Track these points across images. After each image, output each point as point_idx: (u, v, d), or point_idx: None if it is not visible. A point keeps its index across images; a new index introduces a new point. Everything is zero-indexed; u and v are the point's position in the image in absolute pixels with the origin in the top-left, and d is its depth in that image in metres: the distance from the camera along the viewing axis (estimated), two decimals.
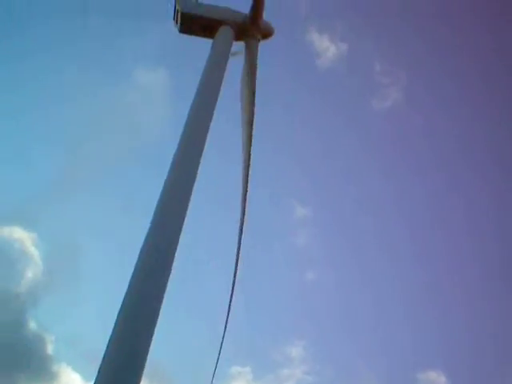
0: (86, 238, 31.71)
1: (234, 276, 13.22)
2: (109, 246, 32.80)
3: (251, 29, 14.06)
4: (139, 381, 8.04)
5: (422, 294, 34.99)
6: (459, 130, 37.44)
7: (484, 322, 33.26)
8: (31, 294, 32.41)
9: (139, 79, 34.76)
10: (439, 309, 34.51)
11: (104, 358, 8.15)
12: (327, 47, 36.49)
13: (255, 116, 14.24)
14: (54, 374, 32.24)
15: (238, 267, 13.36)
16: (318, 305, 35.00)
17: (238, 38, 14.05)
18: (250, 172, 14.09)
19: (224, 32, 13.85)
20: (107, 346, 8.28)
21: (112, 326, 8.54)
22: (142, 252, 9.57)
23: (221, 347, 12.72)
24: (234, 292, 13.32)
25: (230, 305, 13.08)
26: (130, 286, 9.12)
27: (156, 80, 34.96)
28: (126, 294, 9.02)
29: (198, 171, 11.23)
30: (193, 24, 14.21)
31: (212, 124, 12.16)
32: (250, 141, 14.16)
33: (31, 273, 34.00)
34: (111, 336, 8.43)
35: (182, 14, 14.09)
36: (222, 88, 12.88)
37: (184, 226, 10.16)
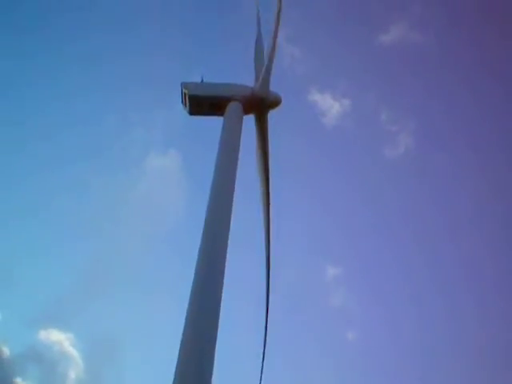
0: (121, 331, 31.31)
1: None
2: (143, 336, 32.30)
3: (259, 101, 14.10)
4: None
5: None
6: (476, 159, 36.96)
7: None
8: None
9: (151, 164, 35.26)
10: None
11: None
12: (331, 105, 36.90)
13: (271, 185, 14.44)
14: None
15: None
16: (363, 363, 33.67)
17: (247, 111, 14.11)
18: (270, 237, 14.17)
19: (233, 108, 13.94)
20: None
21: None
22: (183, 339, 9.45)
23: None
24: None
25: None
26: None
27: (168, 163, 35.46)
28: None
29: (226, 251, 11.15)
30: (201, 104, 14.36)
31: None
32: (269, 212, 14.24)
33: (74, 373, 33.46)
34: None
35: (190, 97, 14.25)
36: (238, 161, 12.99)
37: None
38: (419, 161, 37.75)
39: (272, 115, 14.73)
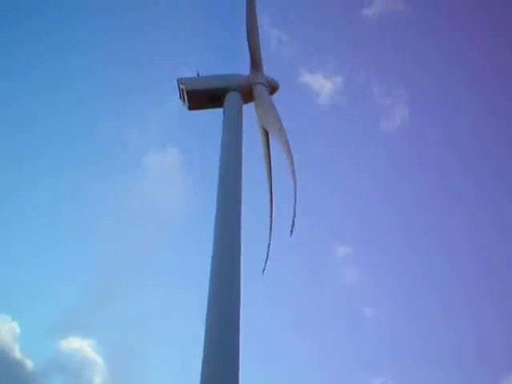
0: (140, 331, 31.60)
1: None
2: (162, 333, 32.59)
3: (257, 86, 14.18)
4: None
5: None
6: (473, 132, 37.10)
7: None
8: None
9: (150, 163, 35.31)
10: None
11: None
12: (323, 84, 36.93)
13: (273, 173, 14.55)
14: None
15: None
16: (383, 338, 34.00)
17: (246, 100, 14.19)
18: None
19: (232, 98, 14.00)
20: None
21: None
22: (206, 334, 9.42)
23: None
24: None
25: None
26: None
27: (167, 160, 35.49)
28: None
29: (241, 238, 11.24)
30: (200, 98, 14.41)
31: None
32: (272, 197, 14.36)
33: (99, 379, 33.76)
34: None
35: (188, 92, 14.30)
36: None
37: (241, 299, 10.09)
38: (416, 131, 37.89)
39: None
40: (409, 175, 37.50)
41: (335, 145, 35.26)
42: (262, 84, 14.33)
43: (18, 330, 32.50)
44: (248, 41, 14.20)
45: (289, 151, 12.55)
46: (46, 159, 35.24)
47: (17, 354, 31.73)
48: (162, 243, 33.39)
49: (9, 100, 34.50)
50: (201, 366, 8.92)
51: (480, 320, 33.84)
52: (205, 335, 9.37)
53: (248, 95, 14.16)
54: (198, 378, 8.79)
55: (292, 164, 12.18)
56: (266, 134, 14.42)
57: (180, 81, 14.46)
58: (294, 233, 13.77)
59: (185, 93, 14.36)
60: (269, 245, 13.74)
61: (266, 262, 13.63)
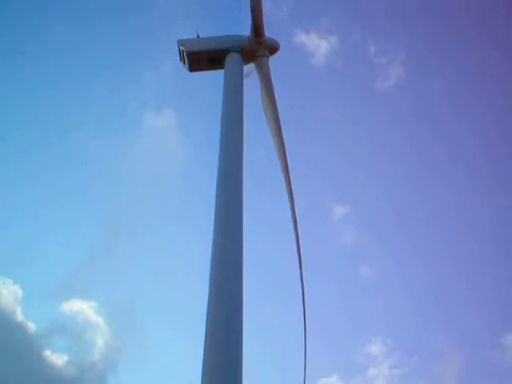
0: (142, 294, 32.12)
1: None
2: (165, 295, 33.15)
3: (258, 49, 14.21)
4: None
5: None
6: (468, 89, 37.14)
7: None
8: (107, 360, 32.80)
9: (147, 124, 35.30)
10: None
11: None
12: (318, 44, 36.70)
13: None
14: None
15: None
16: (380, 299, 34.77)
17: (246, 61, 14.25)
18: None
19: (232, 59, 14.05)
20: None
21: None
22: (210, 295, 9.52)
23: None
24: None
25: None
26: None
27: (164, 121, 35.46)
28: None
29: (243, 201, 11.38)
30: (200, 60, 14.46)
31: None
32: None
33: (101, 340, 34.43)
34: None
35: (188, 54, 14.34)
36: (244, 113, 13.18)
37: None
38: (412, 90, 37.86)
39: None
40: (406, 133, 37.70)
41: (331, 104, 35.26)
42: (264, 56, 14.36)
43: (19, 293, 32.95)
44: (250, 2, 14.12)
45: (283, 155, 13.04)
46: (44, 121, 35.17)
47: (19, 317, 32.24)
48: (161, 203, 33.63)
49: (8, 65, 34.21)
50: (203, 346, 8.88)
51: (478, 279, 34.57)
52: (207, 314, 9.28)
53: (249, 56, 14.23)
54: (199, 339, 8.91)
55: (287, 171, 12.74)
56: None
57: (180, 42, 14.49)
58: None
59: (185, 54, 14.41)
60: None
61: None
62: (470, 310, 34.41)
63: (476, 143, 37.04)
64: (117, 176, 33.55)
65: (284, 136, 14.31)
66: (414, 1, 37.10)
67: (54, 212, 34.78)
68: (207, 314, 9.24)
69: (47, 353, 31.50)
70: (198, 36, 14.58)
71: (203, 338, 9.00)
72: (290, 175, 13.93)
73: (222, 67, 14.06)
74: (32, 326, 32.29)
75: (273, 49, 14.55)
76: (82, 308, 34.57)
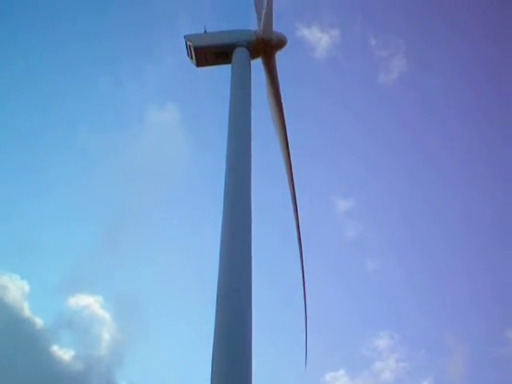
0: (148, 288, 32.23)
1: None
2: (171, 289, 33.22)
3: (265, 44, 14.17)
4: None
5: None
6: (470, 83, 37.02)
7: None
8: (114, 354, 32.93)
9: (151, 119, 35.28)
10: None
11: None
12: (320, 38, 36.58)
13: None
14: None
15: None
16: (386, 293, 34.78)
17: (254, 56, 14.21)
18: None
19: (240, 54, 14.00)
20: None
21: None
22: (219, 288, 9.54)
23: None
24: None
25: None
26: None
27: (167, 116, 35.42)
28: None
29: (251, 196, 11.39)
30: (207, 55, 14.43)
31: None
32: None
33: (108, 334, 34.55)
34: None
35: (195, 49, 14.32)
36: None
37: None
38: (414, 83, 37.75)
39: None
40: (408, 127, 37.59)
41: (334, 98, 35.23)
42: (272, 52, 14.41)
43: (27, 288, 33.06)
44: None
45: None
46: (46, 114, 35.18)
47: (26, 312, 32.36)
48: (164, 198, 33.66)
49: (11, 56, 34.20)
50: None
51: (483, 272, 34.52)
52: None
53: (256, 51, 14.17)
54: (204, 332, 8.77)
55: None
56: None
57: (187, 37, 14.46)
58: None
59: (192, 49, 14.38)
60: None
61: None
62: (476, 304, 34.41)
63: (477, 137, 36.97)
64: (120, 170, 33.61)
65: (288, 130, 14.53)
66: None
67: (59, 206, 34.86)
68: (216, 312, 9.18)
69: (54, 348, 31.64)
70: (205, 31, 14.55)
71: (209, 331, 9.00)
72: (293, 171, 14.16)
73: (229, 62, 14.04)
74: (39, 322, 32.44)
75: (280, 43, 14.52)
76: (88, 302, 34.71)
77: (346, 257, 35.78)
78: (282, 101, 14.67)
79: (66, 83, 34.92)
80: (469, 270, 35.02)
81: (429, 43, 37.08)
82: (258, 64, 14.56)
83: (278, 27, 15.28)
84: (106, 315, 34.77)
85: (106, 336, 34.51)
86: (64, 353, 31.66)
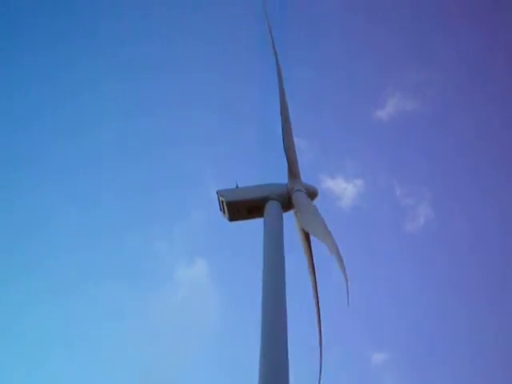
0: None
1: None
2: None
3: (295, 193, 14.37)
4: None
5: None
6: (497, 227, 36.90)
7: None
8: None
9: (179, 277, 35.25)
10: None
11: None
12: (345, 188, 37.35)
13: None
14: None
15: None
16: None
17: (286, 208, 14.33)
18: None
19: (272, 208, 14.16)
20: None
21: None
22: None
23: None
24: None
25: None
26: None
27: (197, 273, 35.41)
28: None
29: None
30: (239, 209, 14.59)
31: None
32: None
33: None
34: None
35: (228, 204, 14.51)
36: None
37: None
38: (441, 230, 37.78)
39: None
40: (434, 274, 36.98)
41: (361, 248, 35.16)
42: (300, 191, 14.52)
43: None
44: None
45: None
46: (68, 276, 35.19)
47: None
48: (195, 358, 32.60)
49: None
50: None
51: None
52: None
53: (288, 204, 14.33)
54: None
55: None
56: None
57: (220, 192, 14.73)
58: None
59: (225, 204, 14.58)
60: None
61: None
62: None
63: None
64: (150, 330, 32.96)
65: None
66: (436, 141, 38.10)
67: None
68: None
69: None
70: (237, 186, 14.84)
71: None
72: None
73: (262, 215, 14.15)
74: None
75: (312, 195, 14.70)
76: None
77: None
78: (313, 251, 14.58)
79: (97, 244, 35.45)
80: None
81: (456, 190, 37.70)
82: (290, 215, 14.69)
83: (303, 179, 15.58)
84: None
85: None
86: None
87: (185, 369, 32.07)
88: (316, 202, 15.33)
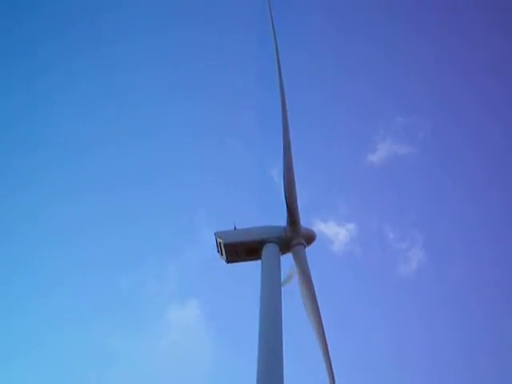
0: None
1: None
2: None
3: (294, 239, 14.42)
4: None
5: None
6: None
7: None
8: None
9: (171, 318, 34.86)
10: None
11: None
12: (337, 232, 37.43)
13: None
14: None
15: None
16: None
17: (283, 251, 14.40)
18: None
19: (269, 249, 14.22)
20: None
21: None
22: None
23: None
24: None
25: None
26: None
27: (188, 314, 35.05)
28: None
29: None
30: (237, 251, 14.62)
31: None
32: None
33: None
34: None
35: (226, 245, 14.55)
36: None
37: None
38: (434, 273, 37.81)
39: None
40: (429, 318, 36.84)
41: (355, 293, 35.07)
42: (300, 244, 14.62)
43: None
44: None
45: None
46: (63, 312, 34.70)
47: None
48: None
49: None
50: None
51: None
52: None
53: (285, 246, 14.39)
54: None
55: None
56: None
57: (217, 234, 14.78)
58: None
59: (222, 246, 14.62)
60: None
61: None
62: None
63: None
64: (139, 373, 32.37)
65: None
66: (429, 185, 38.42)
67: None
68: None
69: None
70: (235, 227, 14.90)
71: None
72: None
73: (259, 257, 14.20)
74: None
75: (309, 238, 14.76)
76: None
77: None
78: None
79: (87, 281, 35.04)
80: None
81: (445, 232, 37.83)
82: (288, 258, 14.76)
83: None
84: None
85: None
86: None
87: None
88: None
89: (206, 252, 15.58)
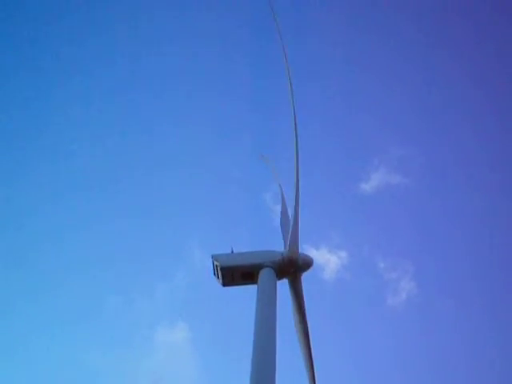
0: None
1: None
2: None
3: (291, 265, 14.45)
4: None
5: None
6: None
7: None
8: None
9: (159, 340, 34.59)
10: None
11: None
12: (328, 259, 37.54)
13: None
14: None
15: None
16: None
17: (280, 276, 14.40)
18: None
19: (265, 274, 14.19)
20: None
21: None
22: None
23: None
24: None
25: None
26: None
27: (176, 336, 34.83)
28: None
29: None
30: (234, 275, 14.60)
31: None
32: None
33: None
34: None
35: (222, 269, 14.53)
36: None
37: None
38: (423, 305, 37.89)
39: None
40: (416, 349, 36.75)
41: (343, 322, 35.05)
42: (298, 270, 14.72)
43: None
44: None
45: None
46: (51, 338, 34.31)
47: None
48: None
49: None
50: None
51: None
52: None
53: (282, 271, 14.39)
54: None
55: None
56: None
57: (214, 257, 14.76)
58: None
59: (219, 269, 14.59)
60: None
61: None
62: None
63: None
64: None
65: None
66: (422, 213, 38.62)
67: None
68: None
69: None
70: (232, 251, 14.90)
71: None
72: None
73: (255, 282, 14.18)
74: None
75: (306, 265, 14.79)
76: None
77: None
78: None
79: (75, 305, 34.75)
80: None
81: (437, 264, 38.00)
82: (284, 284, 14.77)
83: None
84: None
85: None
86: None
87: None
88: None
89: (197, 275, 15.58)
